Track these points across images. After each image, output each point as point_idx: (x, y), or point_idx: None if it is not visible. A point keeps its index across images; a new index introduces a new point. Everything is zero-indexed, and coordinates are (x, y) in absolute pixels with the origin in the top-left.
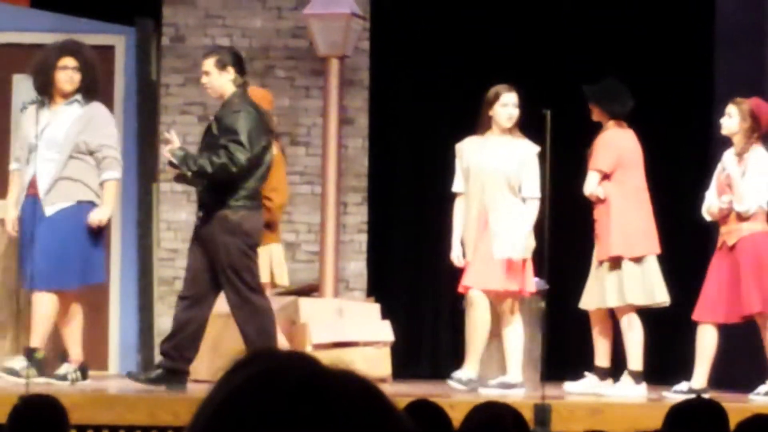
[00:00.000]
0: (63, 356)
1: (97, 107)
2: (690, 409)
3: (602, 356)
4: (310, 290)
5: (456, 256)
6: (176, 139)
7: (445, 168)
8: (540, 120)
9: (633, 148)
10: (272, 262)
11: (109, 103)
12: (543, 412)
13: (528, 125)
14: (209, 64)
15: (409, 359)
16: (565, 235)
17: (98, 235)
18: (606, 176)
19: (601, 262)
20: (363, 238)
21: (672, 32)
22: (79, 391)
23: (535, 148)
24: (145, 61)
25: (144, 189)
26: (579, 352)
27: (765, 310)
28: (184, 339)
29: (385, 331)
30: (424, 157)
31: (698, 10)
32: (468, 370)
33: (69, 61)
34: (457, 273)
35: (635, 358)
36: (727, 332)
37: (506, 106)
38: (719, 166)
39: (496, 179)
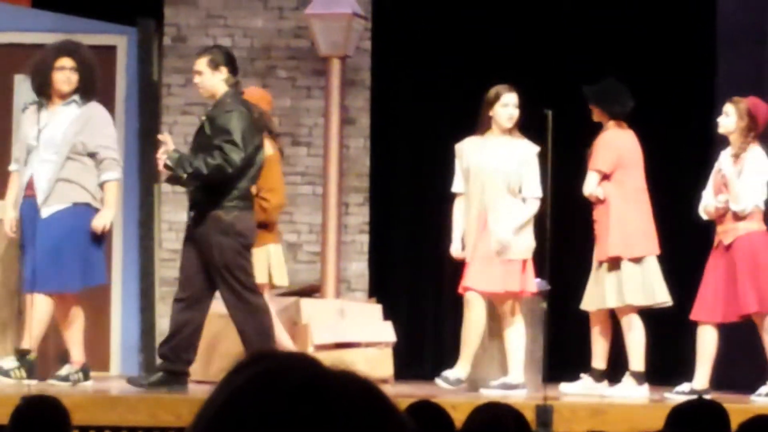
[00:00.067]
0: (64, 357)
1: (95, 107)
2: (691, 410)
3: (599, 358)
4: (311, 291)
5: (455, 249)
6: (170, 141)
7: (447, 168)
8: (540, 120)
9: (633, 149)
10: (270, 262)
11: (110, 104)
12: (545, 413)
13: (529, 125)
14: (202, 63)
15: (411, 360)
16: (567, 236)
17: (97, 236)
18: (606, 177)
19: (600, 263)
20: (364, 239)
21: (673, 32)
22: (80, 392)
23: (535, 148)
24: (146, 61)
25: (145, 190)
26: (581, 352)
27: (761, 309)
28: (182, 341)
29: (387, 332)
30: (425, 157)
31: (699, 10)
32: (458, 370)
33: (66, 62)
34: (459, 273)
35: (637, 359)
36: (728, 333)
37: (507, 106)
38: (716, 166)
39: (495, 179)
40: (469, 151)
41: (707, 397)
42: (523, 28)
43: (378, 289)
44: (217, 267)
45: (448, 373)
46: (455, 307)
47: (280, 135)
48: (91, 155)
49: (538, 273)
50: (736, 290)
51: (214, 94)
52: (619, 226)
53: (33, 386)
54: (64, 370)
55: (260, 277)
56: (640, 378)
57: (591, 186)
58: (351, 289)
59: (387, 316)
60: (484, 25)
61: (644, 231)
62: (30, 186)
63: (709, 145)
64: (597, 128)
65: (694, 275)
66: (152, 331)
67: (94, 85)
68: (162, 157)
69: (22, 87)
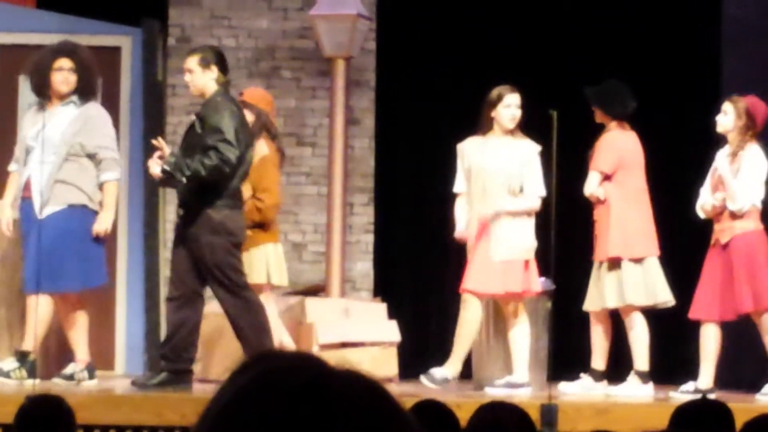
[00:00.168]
0: (69, 356)
1: (94, 108)
2: (695, 409)
3: (599, 358)
4: (316, 290)
5: (460, 230)
6: (166, 147)
7: (452, 168)
8: (543, 120)
9: (634, 150)
10: (269, 262)
11: (115, 104)
12: (549, 413)
13: (532, 126)
14: (192, 62)
15: (416, 359)
16: (572, 235)
17: (95, 237)
18: (607, 177)
19: (600, 263)
20: (369, 239)
21: (678, 32)
22: (85, 391)
23: (537, 148)
24: (151, 61)
25: (150, 190)
26: (585, 352)
27: (758, 308)
28: (181, 340)
29: (392, 332)
30: (430, 157)
31: (704, 9)
32: (446, 369)
33: (65, 63)
34: (463, 272)
35: (641, 358)
36: (733, 332)
37: (509, 107)
38: (714, 164)
39: (497, 180)
40: (470, 151)
41: (712, 396)
42: (527, 28)
43: (383, 289)
44: (208, 266)
45: (435, 371)
46: (460, 306)
47: (278, 135)
48: (90, 156)
49: (543, 272)
50: (732, 289)
51: (204, 92)
52: (620, 226)
53: (38, 385)
54: (68, 369)
55: (259, 277)
56: (644, 377)
57: (592, 186)
58: (356, 288)
59: (392, 315)
60: (489, 26)
61: (644, 232)
62: (27, 187)
63: (714, 145)
64: (599, 129)
65: (698, 274)
66: (157, 331)
67: (92, 86)
68: (158, 162)
69: (27, 87)
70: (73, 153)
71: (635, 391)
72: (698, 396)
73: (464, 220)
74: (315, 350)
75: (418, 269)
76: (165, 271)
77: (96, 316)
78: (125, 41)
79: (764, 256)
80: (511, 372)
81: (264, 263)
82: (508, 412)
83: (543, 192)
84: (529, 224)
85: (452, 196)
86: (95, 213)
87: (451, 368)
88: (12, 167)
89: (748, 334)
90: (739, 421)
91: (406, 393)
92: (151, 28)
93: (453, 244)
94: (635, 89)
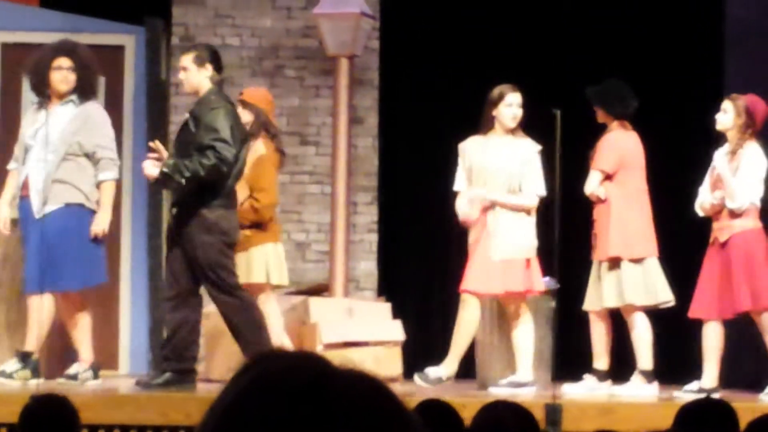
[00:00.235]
0: (73, 356)
1: (93, 107)
2: (699, 409)
3: (601, 358)
4: (320, 290)
5: (462, 213)
6: (163, 150)
7: (455, 167)
8: (547, 120)
9: (636, 150)
10: (268, 261)
11: (118, 103)
12: (554, 412)
13: (535, 125)
14: (187, 59)
15: (420, 359)
16: (576, 235)
17: (93, 236)
18: (608, 177)
19: (600, 263)
20: (373, 238)
21: (681, 31)
22: (89, 390)
23: (537, 147)
24: (154, 60)
25: (153, 189)
26: (590, 351)
27: (755, 307)
28: (182, 340)
29: (396, 331)
30: (434, 156)
31: (707, 9)
32: (441, 369)
33: (64, 62)
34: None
35: (645, 358)
36: (737, 331)
37: (511, 106)
38: (713, 163)
39: (497, 179)
40: (471, 150)
41: (716, 395)
42: (529, 27)
43: (386, 288)
44: (200, 266)
45: (430, 371)
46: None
47: (278, 135)
48: (88, 155)
49: (547, 272)
50: (731, 287)
51: (198, 90)
52: (620, 226)
53: (41, 385)
54: (73, 369)
55: (258, 276)
56: (648, 376)
57: (593, 185)
58: (359, 288)
59: (396, 314)
60: (492, 25)
61: (644, 232)
62: (25, 186)
63: (715, 144)
64: (601, 128)
65: (699, 273)
66: (161, 330)
67: (92, 85)
68: (155, 164)
69: None
70: (71, 152)
71: (639, 390)
72: (702, 395)
73: (465, 205)
74: (319, 350)
75: (422, 268)
76: None
77: (100, 316)
78: (129, 40)
79: (763, 255)
80: (515, 371)
81: (263, 263)
82: (511, 412)
83: (542, 191)
84: (529, 223)
85: (455, 195)
86: (93, 212)
87: (446, 368)
88: (11, 165)
89: (749, 332)
90: (743, 421)
91: (410, 392)
92: (154, 26)
93: (457, 243)
94: (638, 89)
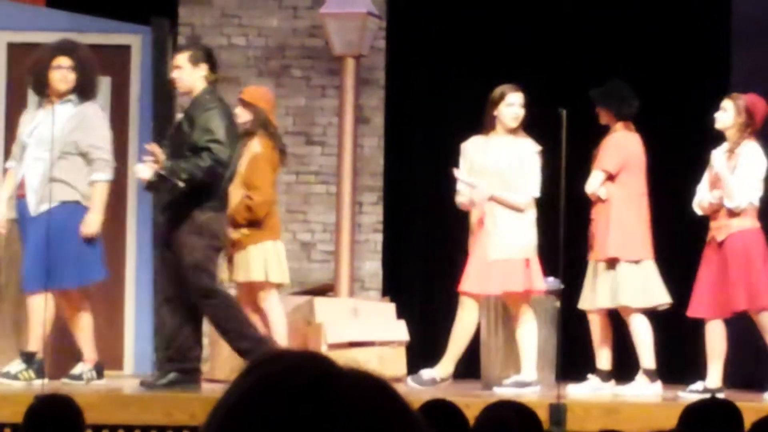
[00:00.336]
0: (78, 356)
1: (91, 107)
2: (704, 409)
3: (603, 359)
4: (325, 290)
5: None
6: (160, 152)
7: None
8: (553, 119)
9: (639, 153)
10: (267, 259)
11: (124, 102)
12: (558, 412)
13: (540, 125)
14: (182, 59)
15: (425, 359)
16: (580, 235)
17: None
18: (610, 177)
19: (597, 262)
20: (378, 238)
21: (687, 30)
22: (94, 390)
23: (536, 147)
24: (161, 60)
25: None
26: (593, 352)
27: (751, 307)
28: (185, 340)
29: (401, 331)
30: (439, 156)
31: (714, 7)
32: (437, 370)
33: (63, 61)
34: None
35: (647, 357)
36: (740, 332)
37: (512, 105)
38: (711, 161)
39: (497, 180)
40: (473, 150)
41: (721, 395)
42: (536, 27)
43: (392, 288)
44: (185, 266)
45: (423, 373)
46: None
47: (277, 134)
48: (83, 154)
49: (552, 272)
50: (728, 287)
51: (192, 90)
52: (619, 227)
53: (46, 385)
54: (77, 369)
55: (257, 274)
56: (652, 375)
57: (594, 185)
58: (365, 288)
59: (400, 315)
60: (498, 25)
61: (642, 235)
62: (21, 186)
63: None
64: (606, 128)
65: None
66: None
67: (92, 85)
68: (151, 167)
69: None
70: (67, 151)
71: (644, 390)
72: (707, 395)
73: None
74: (324, 350)
75: (427, 268)
76: None
77: (104, 316)
78: (135, 40)
79: (760, 255)
80: (519, 371)
81: (262, 261)
82: (515, 412)
83: (536, 192)
84: (528, 222)
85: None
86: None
87: (441, 369)
88: (9, 164)
89: (755, 333)
90: (748, 421)
91: (415, 392)
92: (160, 26)
93: (462, 244)
94: (644, 88)
